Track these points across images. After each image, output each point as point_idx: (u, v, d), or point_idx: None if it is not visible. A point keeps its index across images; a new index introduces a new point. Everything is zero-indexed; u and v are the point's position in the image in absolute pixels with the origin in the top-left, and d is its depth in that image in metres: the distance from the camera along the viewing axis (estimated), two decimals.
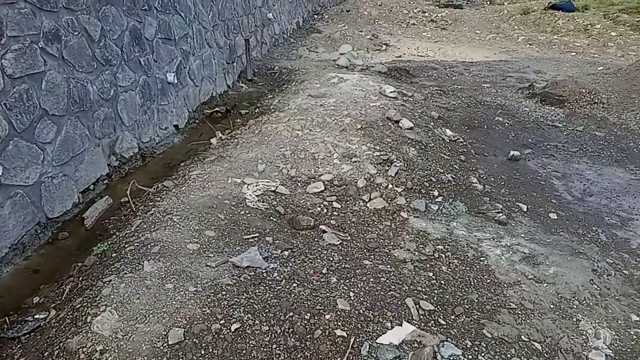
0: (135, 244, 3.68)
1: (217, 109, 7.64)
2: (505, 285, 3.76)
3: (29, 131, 4.16)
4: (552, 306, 3.57)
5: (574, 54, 12.59)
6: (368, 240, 4.18)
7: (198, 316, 2.97)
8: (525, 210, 5.04)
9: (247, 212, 4.32)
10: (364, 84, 7.91)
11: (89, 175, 4.93)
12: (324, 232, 4.20)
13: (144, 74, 6.07)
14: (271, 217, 4.34)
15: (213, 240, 3.82)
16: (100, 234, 4.26)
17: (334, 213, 4.57)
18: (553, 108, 8.18)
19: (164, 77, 6.52)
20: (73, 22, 4.82)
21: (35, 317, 3.13)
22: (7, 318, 3.19)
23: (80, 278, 3.45)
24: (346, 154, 5.46)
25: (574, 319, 3.46)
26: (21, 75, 4.09)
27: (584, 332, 3.35)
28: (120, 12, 5.66)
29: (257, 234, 4.02)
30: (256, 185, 4.76)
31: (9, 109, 3.94)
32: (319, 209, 4.60)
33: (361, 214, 4.58)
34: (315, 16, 16.35)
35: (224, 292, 3.21)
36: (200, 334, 2.86)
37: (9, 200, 3.89)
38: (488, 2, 20.98)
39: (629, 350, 3.25)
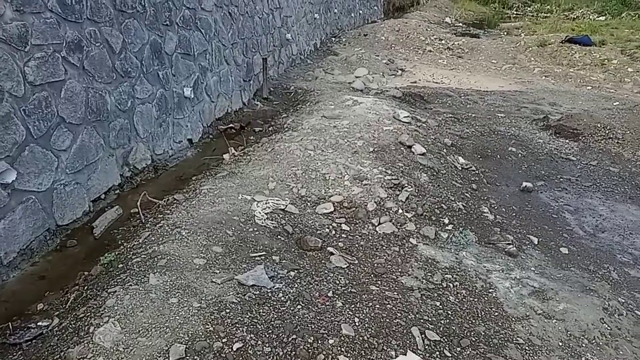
0: (142, 256, 3.67)
1: (231, 125, 7.70)
2: (514, 319, 3.69)
3: (45, 138, 4.21)
4: (560, 343, 3.50)
5: (590, 87, 12.55)
6: (376, 265, 4.14)
7: (200, 333, 2.94)
8: (536, 243, 4.97)
9: (255, 229, 4.31)
10: (378, 108, 7.93)
11: (101, 184, 4.97)
12: (332, 254, 4.17)
13: (162, 88, 6.15)
14: (279, 236, 4.32)
15: (220, 257, 3.80)
16: (108, 244, 4.26)
17: (342, 235, 4.54)
18: (567, 141, 8.14)
19: (181, 92, 6.59)
20: (96, 33, 4.92)
21: (38, 324, 3.12)
22: (10, 323, 3.18)
23: (86, 287, 3.45)
24: (357, 176, 5.45)
25: (583, 359, 3.37)
26: (42, 82, 4.16)
27: None
28: (142, 25, 5.76)
29: (264, 253, 3.99)
30: (266, 203, 4.76)
31: (28, 115, 4.00)
32: (327, 230, 4.58)
33: (370, 237, 4.55)
34: (333, 39, 16.53)
35: (227, 310, 3.18)
36: (202, 351, 2.82)
37: (20, 205, 3.92)
38: (505, 33, 21.12)
39: None
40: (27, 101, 4.00)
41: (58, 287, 3.66)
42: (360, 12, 21.35)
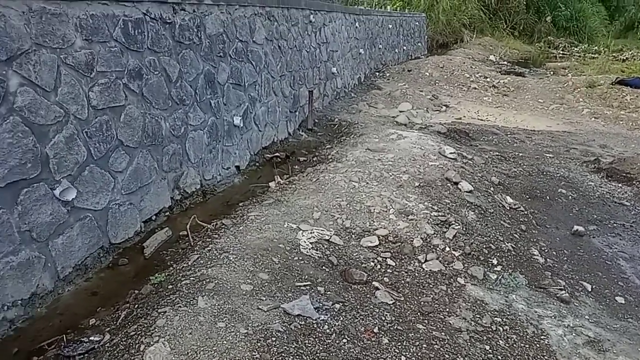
0: (191, 279, 3.72)
1: (277, 154, 7.83)
2: None
3: (104, 159, 4.39)
4: None
5: None
6: (422, 303, 4.05)
7: (247, 359, 2.93)
8: (590, 290, 4.76)
9: (300, 258, 4.31)
10: (423, 143, 7.91)
11: (152, 206, 5.10)
12: (377, 289, 4.11)
13: (213, 116, 6.33)
14: (324, 267, 4.30)
15: (266, 284, 3.81)
16: (157, 264, 4.34)
17: (388, 270, 4.48)
18: (620, 185, 7.85)
19: (230, 120, 6.77)
20: (155, 62, 5.14)
21: (91, 338, 3.18)
22: (64, 336, 3.27)
23: (136, 306, 3.51)
24: (402, 210, 5.40)
25: None
26: (104, 107, 4.37)
27: None
28: (198, 56, 5.99)
29: (309, 283, 3.98)
30: (311, 233, 4.77)
31: (89, 137, 4.19)
32: (372, 264, 4.53)
33: (416, 274, 4.47)
34: (377, 73, 16.73)
35: (274, 338, 3.16)
36: None
37: (78, 222, 4.06)
38: (551, 73, 20.86)
39: None
40: (89, 124, 4.20)
41: (110, 304, 3.73)
42: (404, 48, 21.60)
